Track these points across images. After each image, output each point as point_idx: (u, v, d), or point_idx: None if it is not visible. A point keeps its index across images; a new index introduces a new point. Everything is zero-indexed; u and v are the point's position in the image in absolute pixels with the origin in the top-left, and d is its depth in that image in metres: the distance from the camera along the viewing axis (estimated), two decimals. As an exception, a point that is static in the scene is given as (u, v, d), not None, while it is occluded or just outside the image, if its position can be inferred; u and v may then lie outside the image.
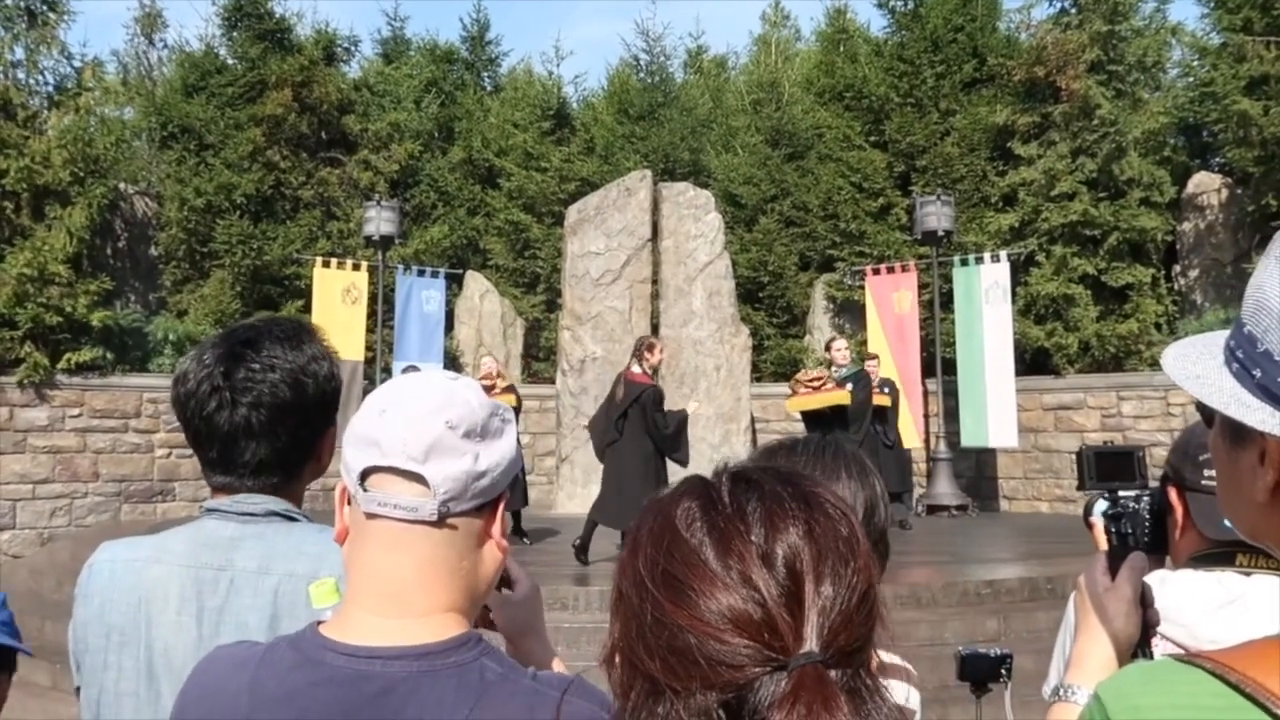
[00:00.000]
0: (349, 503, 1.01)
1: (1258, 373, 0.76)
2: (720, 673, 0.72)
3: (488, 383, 8.95)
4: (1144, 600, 1.17)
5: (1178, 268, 13.68)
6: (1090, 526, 1.47)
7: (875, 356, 11.61)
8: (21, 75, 13.14)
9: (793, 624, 0.73)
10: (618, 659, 0.79)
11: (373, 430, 0.98)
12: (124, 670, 1.37)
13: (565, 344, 13.25)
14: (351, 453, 1.00)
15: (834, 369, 9.87)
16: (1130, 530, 1.24)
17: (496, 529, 1.04)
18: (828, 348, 10.40)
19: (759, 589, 0.74)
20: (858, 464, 1.49)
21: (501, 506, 1.05)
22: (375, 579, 0.98)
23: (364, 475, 0.98)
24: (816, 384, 9.16)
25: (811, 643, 0.73)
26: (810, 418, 9.19)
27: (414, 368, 11.89)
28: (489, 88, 18.13)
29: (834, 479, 1.46)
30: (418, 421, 0.97)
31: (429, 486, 0.96)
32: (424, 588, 0.98)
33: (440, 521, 0.98)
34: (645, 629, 0.76)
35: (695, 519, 0.79)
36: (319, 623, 1.01)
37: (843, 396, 9.10)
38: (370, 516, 0.98)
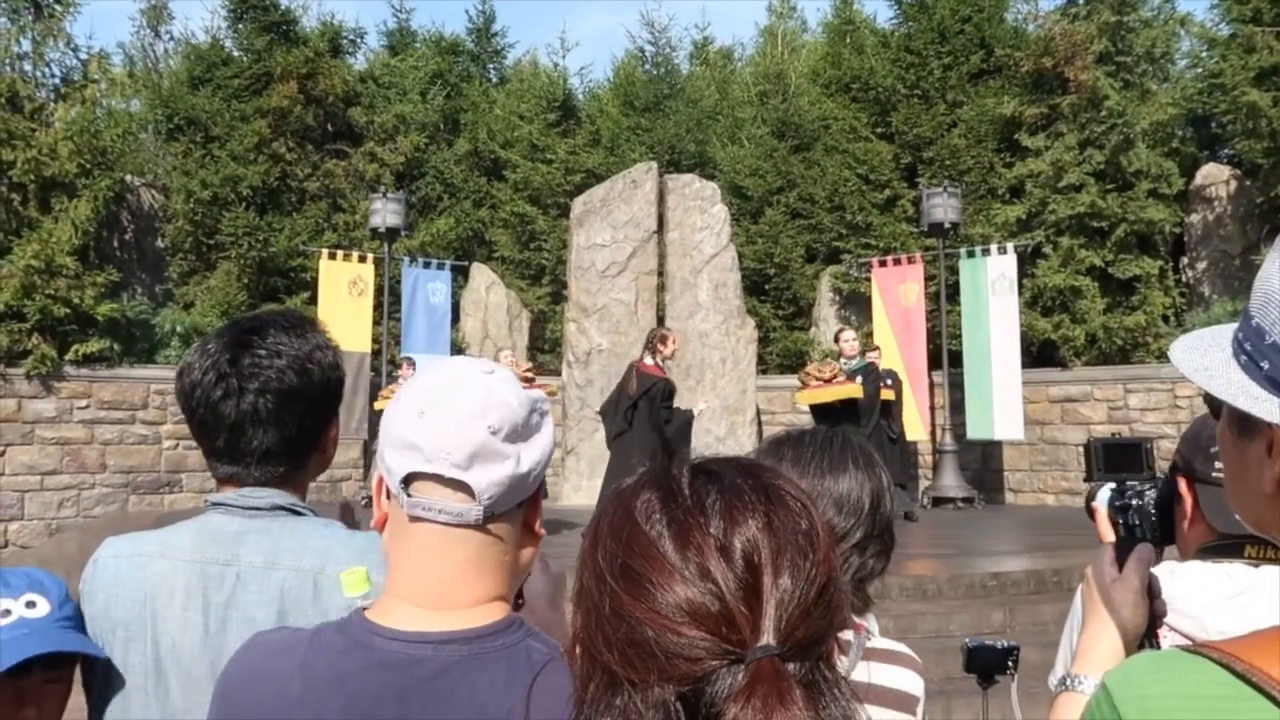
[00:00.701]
0: (388, 495, 1.02)
1: (1265, 364, 0.77)
2: (677, 665, 0.72)
3: None
4: (1151, 591, 1.17)
5: (1185, 259, 13.62)
6: (1092, 514, 1.47)
7: (877, 348, 11.59)
8: (28, 67, 13.16)
9: (750, 617, 0.73)
10: (578, 650, 0.79)
11: (412, 434, 0.98)
12: (131, 666, 1.37)
13: (571, 336, 13.26)
14: (392, 455, 0.99)
15: (842, 361, 9.84)
16: (1138, 522, 1.24)
17: (537, 519, 1.06)
18: (837, 339, 10.38)
19: (716, 581, 0.73)
20: (864, 456, 1.50)
21: (541, 495, 1.07)
22: (420, 576, 0.99)
23: (406, 480, 0.98)
24: (828, 377, 9.13)
25: (768, 636, 0.73)
26: (819, 411, 9.17)
27: (409, 360, 11.85)
28: (494, 80, 18.12)
29: (840, 471, 1.47)
30: (459, 427, 0.97)
31: (473, 493, 0.97)
32: (469, 583, 0.99)
33: (484, 523, 0.99)
34: (604, 620, 0.76)
35: (654, 510, 0.78)
36: (363, 608, 1.02)
37: (855, 390, 9.07)
38: (414, 519, 0.99)
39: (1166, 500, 1.36)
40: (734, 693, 0.71)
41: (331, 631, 1.00)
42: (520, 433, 1.00)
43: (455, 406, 0.98)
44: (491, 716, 0.93)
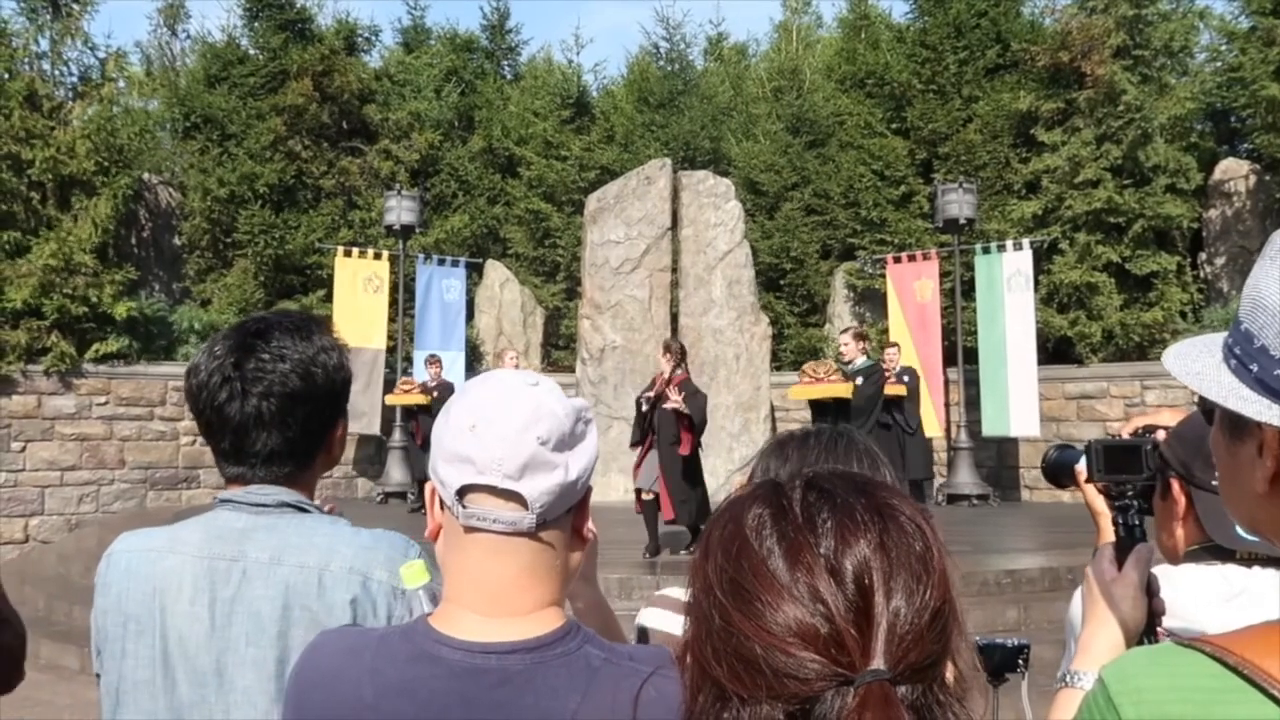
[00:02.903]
0: (442, 506, 1.06)
1: (1254, 367, 0.79)
2: (786, 684, 0.72)
3: None
4: (1150, 589, 1.18)
5: (1204, 255, 13.53)
6: (1061, 478, 1.46)
7: (896, 345, 11.53)
8: (47, 66, 13.28)
9: (860, 640, 0.72)
10: (689, 659, 0.80)
11: (465, 447, 1.01)
12: (140, 659, 1.40)
13: (585, 333, 13.29)
14: (445, 468, 1.03)
15: (847, 362, 9.76)
16: (1137, 522, 1.25)
17: (585, 522, 1.10)
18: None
19: (826, 603, 0.73)
20: (869, 455, 1.51)
21: (589, 500, 1.10)
22: (478, 584, 1.03)
23: (460, 492, 1.02)
24: (820, 375, 9.12)
25: (879, 659, 0.72)
26: (817, 408, 9.20)
27: (435, 358, 11.96)
28: (509, 76, 18.16)
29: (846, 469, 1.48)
30: (510, 439, 1.00)
31: (526, 502, 1.01)
32: (525, 589, 1.03)
33: (537, 531, 1.03)
34: (713, 633, 0.76)
35: (765, 527, 0.78)
36: (427, 615, 1.06)
37: (842, 389, 9.03)
38: (469, 530, 1.03)
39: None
40: (842, 715, 0.71)
41: (398, 638, 1.03)
42: (568, 441, 1.03)
43: (505, 419, 1.01)
44: (552, 718, 0.97)
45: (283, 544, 1.41)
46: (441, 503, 1.05)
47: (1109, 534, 1.38)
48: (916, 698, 0.74)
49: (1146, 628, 1.17)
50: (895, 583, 0.75)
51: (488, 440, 1.00)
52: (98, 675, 1.48)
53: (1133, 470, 1.27)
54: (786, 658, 0.72)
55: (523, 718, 0.97)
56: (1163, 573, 1.23)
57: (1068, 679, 1.18)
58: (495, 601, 1.02)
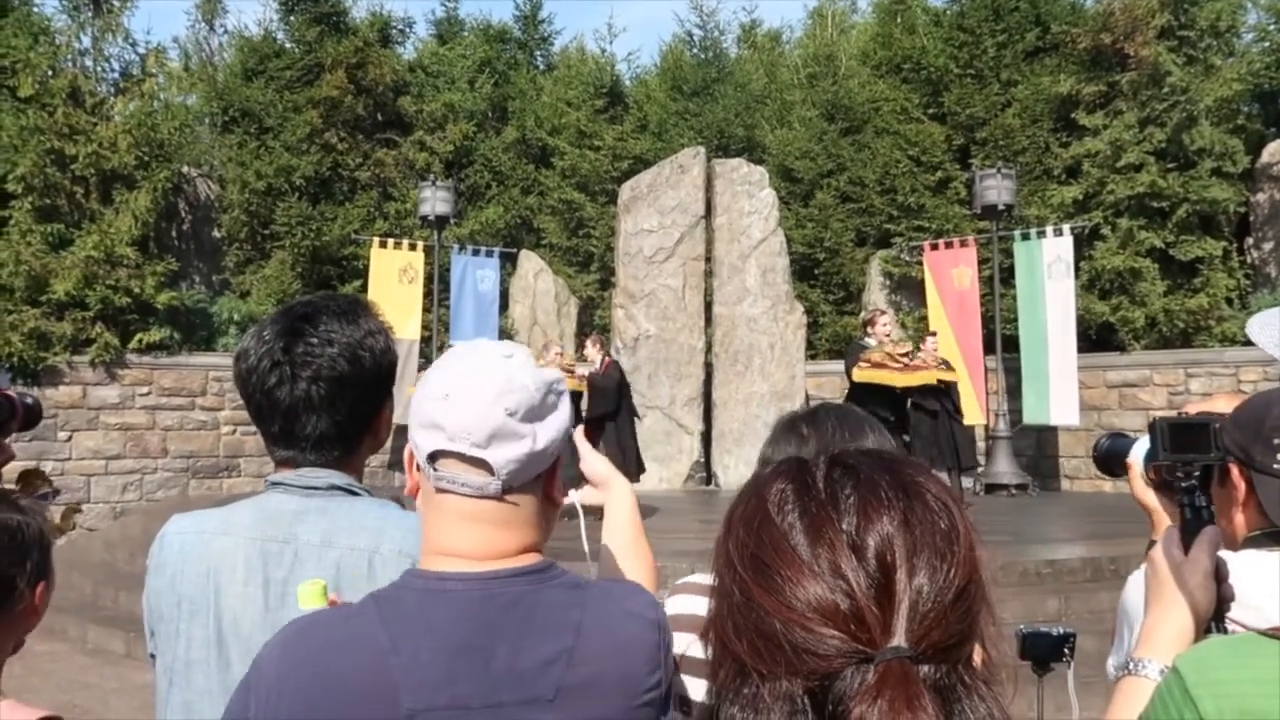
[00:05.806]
0: (418, 467, 1.12)
1: None
2: (805, 660, 0.72)
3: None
4: (1219, 574, 1.14)
5: (1250, 240, 13.22)
6: (1112, 466, 1.43)
7: (935, 333, 11.39)
8: (89, 63, 13.48)
9: (881, 617, 0.72)
10: (711, 635, 0.80)
11: (437, 415, 1.08)
12: (194, 639, 1.41)
13: (619, 322, 13.29)
14: (419, 433, 1.10)
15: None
16: (1204, 504, 1.21)
17: (555, 488, 1.16)
18: (873, 322, 9.99)
19: (847, 579, 0.73)
20: (875, 426, 1.51)
21: (558, 466, 1.15)
22: (456, 539, 1.09)
23: (432, 456, 1.09)
24: (907, 359, 8.85)
25: (899, 637, 0.72)
26: (863, 393, 8.97)
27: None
28: (542, 67, 18.14)
29: (861, 436, 1.48)
30: (480, 410, 1.06)
31: (492, 469, 1.07)
32: (501, 542, 1.10)
33: (503, 495, 1.09)
34: (734, 609, 0.77)
35: (787, 502, 0.78)
36: (410, 570, 1.11)
37: (929, 376, 8.81)
38: (440, 490, 1.09)
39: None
40: (861, 692, 0.70)
41: (394, 590, 1.08)
42: (536, 413, 1.09)
43: (477, 390, 1.07)
44: (564, 629, 1.06)
45: (333, 526, 1.42)
46: (419, 465, 1.11)
47: (1163, 526, 1.34)
48: (940, 678, 0.73)
49: (1215, 614, 1.13)
50: (918, 560, 0.74)
51: (459, 410, 1.06)
52: (152, 655, 1.49)
53: (1200, 449, 1.22)
54: (806, 634, 0.72)
55: (537, 631, 1.05)
56: (1226, 558, 1.19)
57: (1131, 667, 1.14)
58: (476, 550, 1.08)
